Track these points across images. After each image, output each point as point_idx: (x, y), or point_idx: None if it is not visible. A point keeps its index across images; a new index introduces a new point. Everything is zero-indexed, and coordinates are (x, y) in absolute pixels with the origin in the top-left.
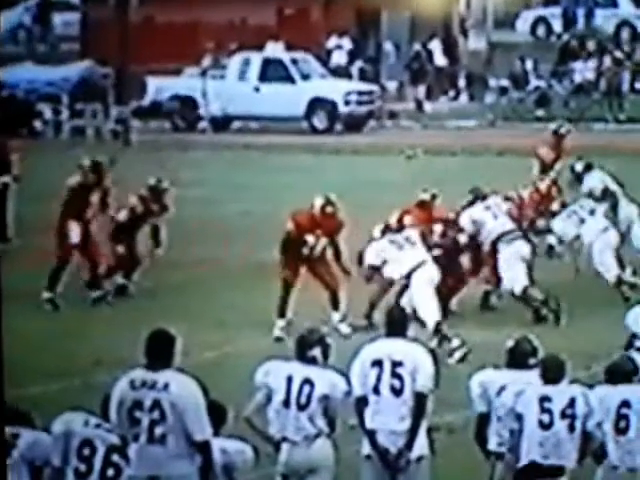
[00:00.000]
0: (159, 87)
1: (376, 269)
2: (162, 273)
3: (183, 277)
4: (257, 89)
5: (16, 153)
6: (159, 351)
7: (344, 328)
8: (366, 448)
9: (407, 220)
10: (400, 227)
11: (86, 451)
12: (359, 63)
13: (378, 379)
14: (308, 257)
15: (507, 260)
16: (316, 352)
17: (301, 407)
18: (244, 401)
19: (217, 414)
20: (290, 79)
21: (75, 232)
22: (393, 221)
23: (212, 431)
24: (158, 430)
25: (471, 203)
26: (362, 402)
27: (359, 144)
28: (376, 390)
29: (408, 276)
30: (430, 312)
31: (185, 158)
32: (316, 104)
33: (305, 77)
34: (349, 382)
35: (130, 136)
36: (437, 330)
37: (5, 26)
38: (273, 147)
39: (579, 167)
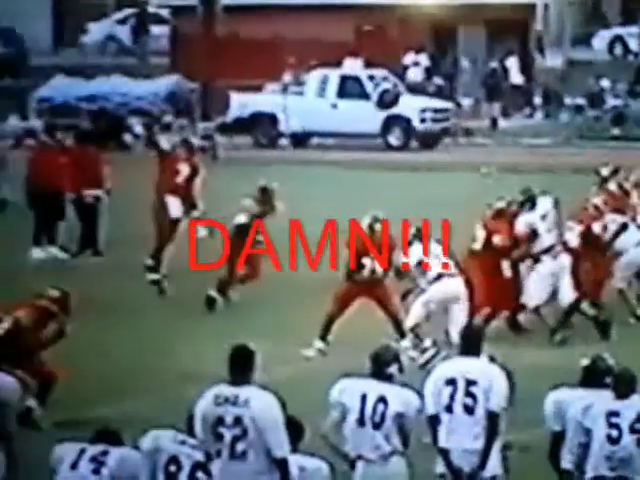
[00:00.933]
0: (242, 103)
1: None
2: (243, 286)
3: (264, 291)
4: (334, 105)
5: (108, 166)
6: (240, 366)
7: (414, 353)
8: (440, 467)
9: (496, 239)
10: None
11: (172, 468)
12: (435, 80)
13: (452, 398)
14: (368, 281)
15: (540, 275)
16: (393, 369)
17: (376, 425)
18: (321, 418)
19: (295, 430)
20: (367, 96)
21: (175, 206)
22: (480, 237)
23: (290, 448)
24: (239, 446)
25: (522, 204)
26: (435, 420)
27: (434, 161)
28: (449, 409)
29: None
30: (412, 316)
31: (266, 173)
32: (392, 121)
33: None
34: (423, 400)
35: (217, 151)
36: (412, 330)
37: (94, 38)
38: (349, 163)
39: (605, 172)
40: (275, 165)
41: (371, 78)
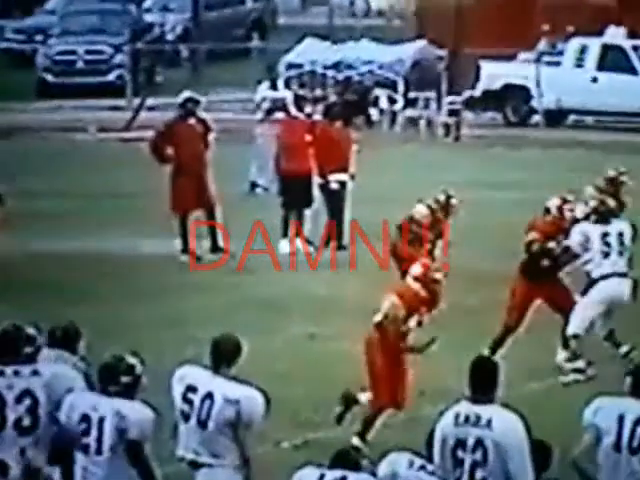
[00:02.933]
0: (493, 74)
1: (575, 256)
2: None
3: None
4: (595, 79)
5: (355, 146)
6: (482, 382)
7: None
8: None
9: None
10: None
11: None
12: None
13: None
14: (546, 277)
15: None
16: None
17: (634, 451)
18: (572, 441)
19: (541, 455)
20: (632, 69)
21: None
22: None
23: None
24: (479, 473)
25: None
26: None
27: None
28: None
29: (594, 282)
30: (577, 321)
31: (514, 156)
32: None
33: None
34: None
35: (460, 131)
36: (574, 337)
37: None
38: (609, 146)
39: None
40: (524, 147)
41: (636, 49)
